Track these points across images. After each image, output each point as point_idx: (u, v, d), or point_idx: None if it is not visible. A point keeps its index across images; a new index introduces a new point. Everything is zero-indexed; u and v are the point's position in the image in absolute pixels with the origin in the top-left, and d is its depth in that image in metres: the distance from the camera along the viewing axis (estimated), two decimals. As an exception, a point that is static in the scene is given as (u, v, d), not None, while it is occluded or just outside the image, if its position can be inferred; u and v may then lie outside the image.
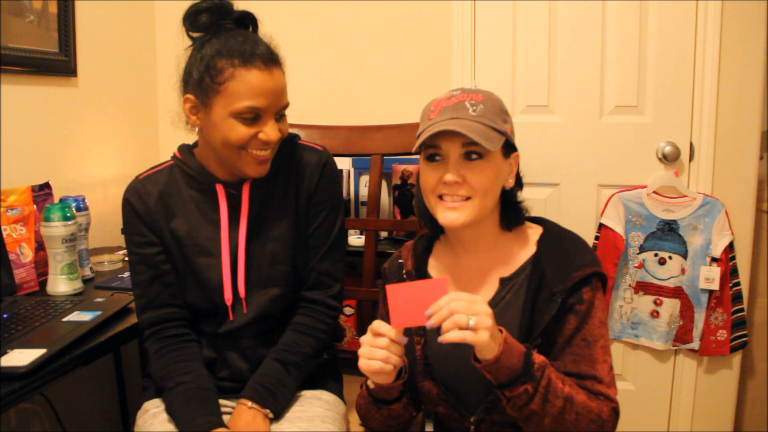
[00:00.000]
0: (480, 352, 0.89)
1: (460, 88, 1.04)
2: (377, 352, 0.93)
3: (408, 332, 1.09)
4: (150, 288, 1.17)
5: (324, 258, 1.22)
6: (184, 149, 1.20)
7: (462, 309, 0.87)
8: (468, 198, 0.99)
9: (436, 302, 0.89)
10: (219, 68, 1.05)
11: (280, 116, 1.11)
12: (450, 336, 0.86)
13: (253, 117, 1.06)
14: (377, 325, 0.94)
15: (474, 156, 0.98)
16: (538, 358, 0.93)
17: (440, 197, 1.01)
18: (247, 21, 1.15)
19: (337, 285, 1.24)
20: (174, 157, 1.21)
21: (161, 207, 1.16)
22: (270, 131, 1.07)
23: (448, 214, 1.00)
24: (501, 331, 0.91)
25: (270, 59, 1.06)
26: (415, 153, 1.05)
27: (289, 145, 1.21)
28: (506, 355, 0.89)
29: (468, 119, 0.97)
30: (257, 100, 1.04)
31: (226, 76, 1.04)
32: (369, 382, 1.03)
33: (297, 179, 1.20)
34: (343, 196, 1.32)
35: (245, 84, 1.04)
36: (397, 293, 0.92)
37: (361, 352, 0.95)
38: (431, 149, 1.01)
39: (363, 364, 0.95)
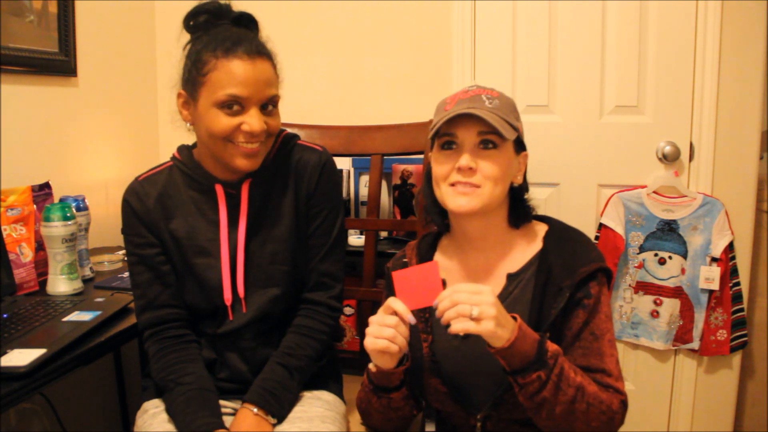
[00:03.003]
0: (489, 341, 0.91)
1: (476, 84, 1.07)
2: (384, 330, 0.94)
3: (415, 330, 1.09)
4: (149, 289, 1.17)
5: (324, 258, 1.22)
6: (183, 150, 1.20)
7: (464, 300, 0.88)
8: (479, 186, 1.01)
9: (440, 293, 0.91)
10: (204, 60, 1.07)
11: (267, 109, 1.09)
12: (454, 327, 0.88)
13: (235, 106, 1.06)
14: (392, 301, 0.95)
15: (489, 145, 1.01)
16: (552, 347, 0.94)
17: (452, 185, 1.02)
18: (246, 21, 1.15)
19: (338, 286, 1.24)
20: (173, 158, 1.21)
21: (160, 208, 1.16)
22: (252, 121, 1.05)
23: (458, 200, 1.01)
24: (515, 318, 0.92)
25: (254, 50, 1.06)
26: (417, 153, 1.05)
27: (288, 145, 1.21)
28: (521, 341, 0.90)
29: (485, 109, 1.00)
30: (238, 89, 1.04)
31: (210, 67, 1.06)
32: (371, 365, 1.04)
33: (296, 179, 1.19)
34: (342, 196, 1.32)
35: (226, 73, 1.05)
36: (400, 279, 0.95)
37: (368, 330, 0.96)
38: (446, 137, 1.03)
39: (369, 342, 0.96)
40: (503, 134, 0.98)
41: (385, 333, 0.94)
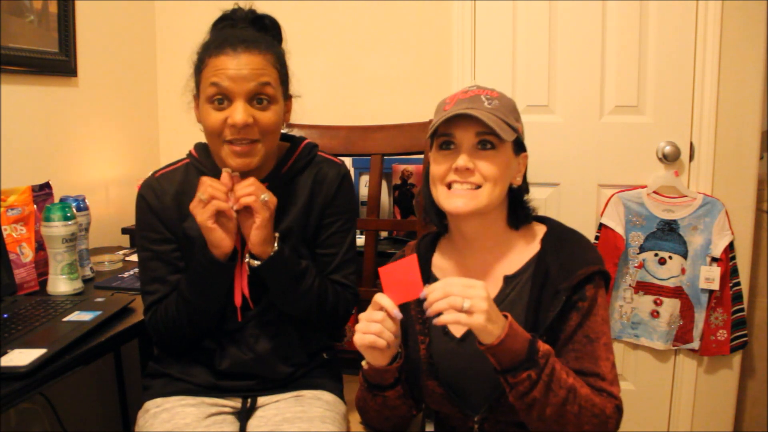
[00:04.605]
0: (479, 336, 0.90)
1: (475, 85, 1.06)
2: (372, 325, 0.95)
3: (413, 332, 1.09)
4: (164, 285, 1.17)
5: (337, 270, 1.22)
6: (200, 148, 1.20)
7: (457, 292, 0.88)
8: (477, 187, 1.00)
9: (432, 285, 0.90)
10: (201, 59, 1.09)
11: (258, 102, 1.08)
12: (445, 318, 0.88)
13: (222, 101, 1.06)
14: (378, 296, 0.96)
15: (488, 146, 1.00)
16: (543, 347, 0.93)
17: (449, 186, 1.02)
18: (267, 25, 1.16)
19: (353, 293, 1.24)
20: (190, 155, 1.21)
21: (176, 206, 1.16)
22: (235, 114, 1.05)
23: (455, 201, 1.01)
24: (506, 316, 0.91)
25: (243, 45, 1.06)
26: (417, 153, 1.05)
27: (309, 154, 1.21)
28: (511, 339, 0.89)
29: (484, 110, 0.99)
30: (219, 79, 1.05)
31: (204, 65, 1.08)
32: (364, 363, 1.04)
33: (313, 190, 1.19)
34: (357, 213, 1.32)
35: (214, 68, 1.06)
36: (386, 274, 0.96)
37: (357, 327, 0.97)
38: (444, 137, 1.02)
39: (357, 338, 0.96)
40: (501, 135, 0.98)
41: (372, 328, 0.95)
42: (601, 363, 0.98)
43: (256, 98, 1.07)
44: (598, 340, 0.99)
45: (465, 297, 0.87)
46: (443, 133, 1.02)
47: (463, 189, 1.00)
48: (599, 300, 1.01)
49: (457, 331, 1.07)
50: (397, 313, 0.95)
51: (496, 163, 1.00)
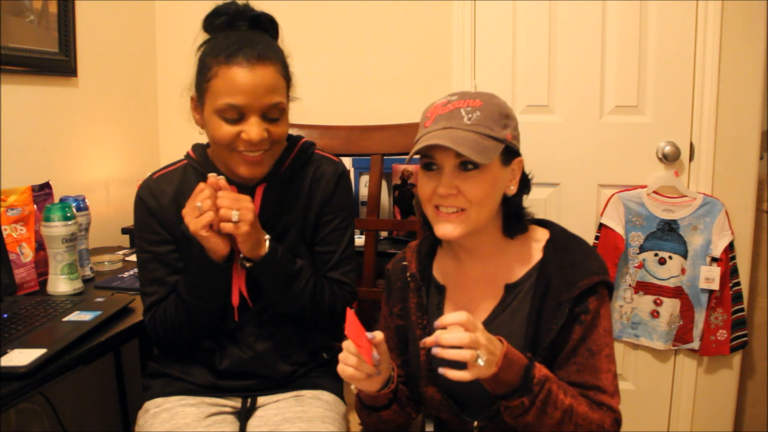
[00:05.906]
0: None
1: (458, 93, 1.00)
2: (350, 358, 0.94)
3: (413, 338, 1.09)
4: (163, 287, 1.17)
5: (335, 268, 1.22)
6: (198, 149, 1.20)
7: (466, 345, 0.85)
8: (463, 209, 0.97)
9: (453, 320, 0.87)
10: (208, 66, 1.06)
11: (271, 116, 1.08)
12: (453, 375, 0.86)
13: (234, 115, 1.05)
14: (345, 344, 0.95)
15: (470, 166, 0.95)
16: (540, 372, 0.92)
17: (437, 207, 0.99)
18: (264, 23, 1.15)
19: (350, 291, 1.24)
20: (188, 156, 1.20)
21: (174, 207, 1.16)
22: (251, 130, 1.04)
23: (443, 227, 0.98)
24: (502, 341, 0.90)
25: (256, 57, 1.04)
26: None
27: (306, 153, 1.21)
28: (504, 371, 0.89)
29: (462, 129, 0.94)
30: (236, 98, 1.03)
31: (212, 73, 1.05)
32: (352, 387, 1.02)
33: (311, 188, 1.19)
34: (355, 212, 1.32)
35: (226, 81, 1.04)
36: (350, 316, 0.93)
37: (339, 356, 0.96)
38: (426, 159, 0.99)
39: (339, 368, 0.95)
40: (479, 161, 0.92)
41: (349, 361, 0.94)
42: (602, 376, 0.97)
43: (270, 112, 1.07)
44: (600, 353, 0.98)
45: (476, 350, 0.85)
46: (425, 155, 0.98)
47: (449, 213, 0.97)
48: (602, 311, 0.99)
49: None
50: (375, 355, 0.94)
51: (481, 183, 0.95)
